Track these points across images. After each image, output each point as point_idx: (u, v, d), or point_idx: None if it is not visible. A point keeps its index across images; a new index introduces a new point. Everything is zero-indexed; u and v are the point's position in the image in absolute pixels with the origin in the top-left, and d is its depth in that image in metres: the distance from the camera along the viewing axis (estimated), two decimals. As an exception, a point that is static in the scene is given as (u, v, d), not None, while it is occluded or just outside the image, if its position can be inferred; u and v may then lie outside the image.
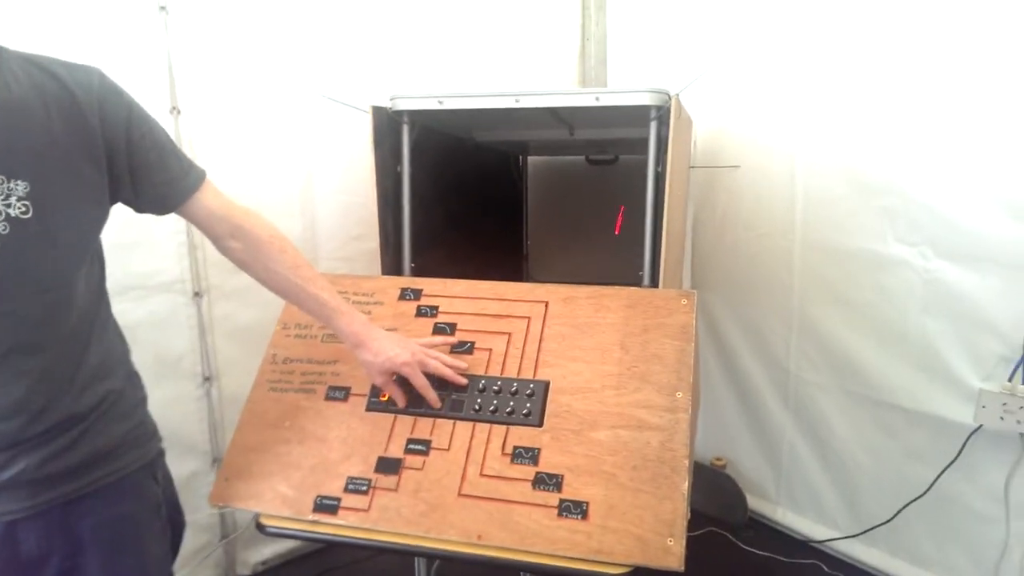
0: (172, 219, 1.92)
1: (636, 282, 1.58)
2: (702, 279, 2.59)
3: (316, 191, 2.21)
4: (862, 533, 2.24)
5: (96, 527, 1.06)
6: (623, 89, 1.55)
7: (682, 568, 1.10)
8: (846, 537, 2.29)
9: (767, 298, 2.38)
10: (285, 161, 2.13)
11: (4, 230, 0.93)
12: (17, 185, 0.94)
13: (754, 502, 2.55)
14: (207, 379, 2.09)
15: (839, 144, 2.08)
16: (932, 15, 1.83)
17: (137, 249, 1.88)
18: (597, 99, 1.55)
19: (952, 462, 1.95)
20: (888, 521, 2.15)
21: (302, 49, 2.09)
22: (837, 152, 2.09)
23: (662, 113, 1.55)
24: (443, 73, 2.33)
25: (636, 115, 1.60)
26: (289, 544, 2.35)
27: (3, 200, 0.93)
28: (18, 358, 0.98)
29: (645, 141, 1.63)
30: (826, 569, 2.27)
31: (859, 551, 2.26)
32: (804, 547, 2.39)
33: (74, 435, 1.04)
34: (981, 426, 1.87)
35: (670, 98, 1.52)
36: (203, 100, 1.94)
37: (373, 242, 1.84)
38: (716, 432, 2.63)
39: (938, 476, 1.99)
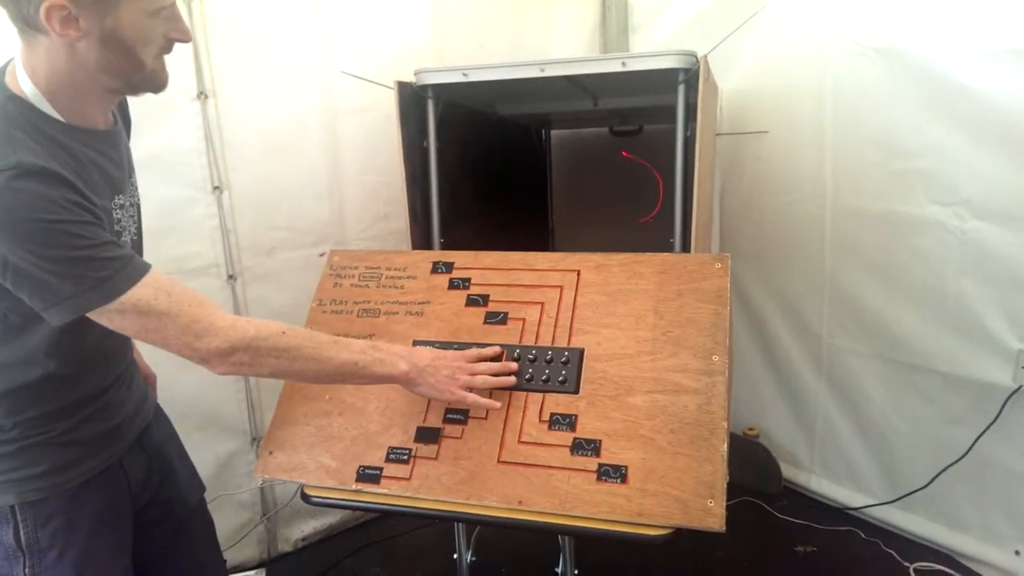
0: (205, 204, 1.98)
1: (666, 251, 1.57)
2: (730, 249, 2.56)
3: (343, 173, 2.22)
4: (899, 499, 2.22)
5: (161, 443, 1.33)
6: (649, 53, 1.53)
7: (723, 529, 1.11)
8: (883, 503, 2.28)
9: (798, 265, 2.35)
10: (311, 144, 2.15)
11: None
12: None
13: (788, 471, 2.55)
14: (244, 361, 2.13)
15: (868, 107, 2.04)
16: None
17: (171, 234, 1.92)
18: (624, 64, 1.54)
19: (991, 424, 1.93)
20: (926, 486, 2.13)
21: (325, 31, 2.09)
22: (867, 115, 2.05)
23: (690, 76, 1.53)
24: (463, 52, 2.32)
25: (663, 80, 1.58)
26: (329, 520, 2.40)
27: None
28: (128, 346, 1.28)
29: (671, 109, 1.61)
30: (863, 536, 2.27)
31: (896, 517, 2.25)
32: (840, 514, 2.38)
33: (130, 385, 1.27)
34: (1021, 387, 1.85)
35: (697, 61, 1.50)
36: (229, 85, 1.96)
37: (400, 221, 1.85)
38: (748, 402, 2.62)
39: (976, 439, 1.97)
